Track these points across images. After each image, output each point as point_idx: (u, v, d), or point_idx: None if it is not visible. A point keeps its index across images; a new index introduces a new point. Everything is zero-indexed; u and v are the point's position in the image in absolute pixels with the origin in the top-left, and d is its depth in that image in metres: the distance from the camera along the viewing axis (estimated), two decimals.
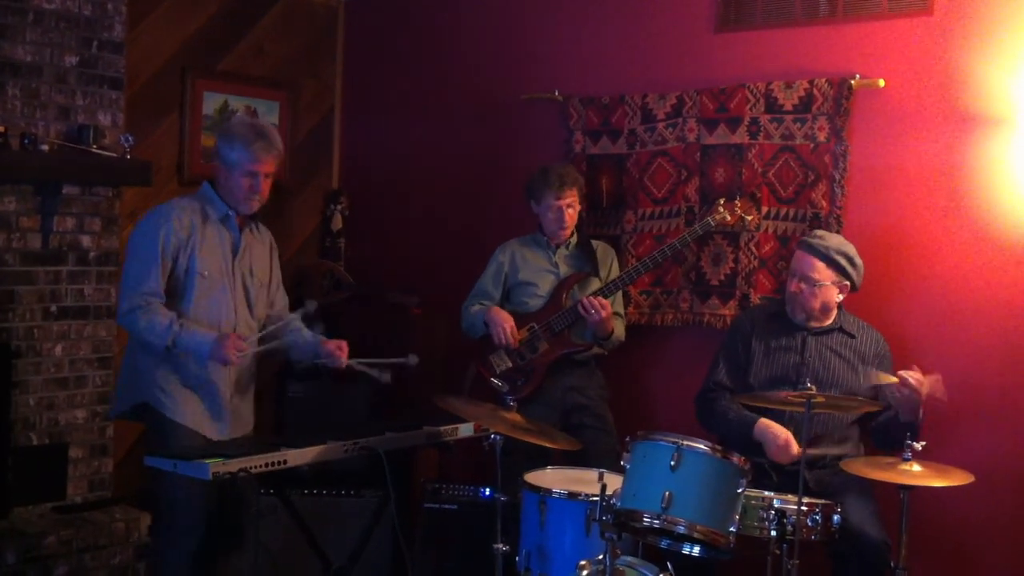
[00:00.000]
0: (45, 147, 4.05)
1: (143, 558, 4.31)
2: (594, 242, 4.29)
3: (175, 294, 3.46)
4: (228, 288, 3.53)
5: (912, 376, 3.35)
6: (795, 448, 3.45)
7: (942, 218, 3.80)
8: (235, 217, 3.55)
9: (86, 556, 4.14)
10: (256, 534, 3.61)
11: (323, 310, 5.05)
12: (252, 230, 3.64)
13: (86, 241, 4.30)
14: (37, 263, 4.18)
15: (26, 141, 3.98)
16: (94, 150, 4.16)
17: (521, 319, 4.19)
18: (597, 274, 4.19)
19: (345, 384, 4.46)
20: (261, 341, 3.57)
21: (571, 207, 4.15)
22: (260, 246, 3.69)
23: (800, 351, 3.65)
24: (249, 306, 3.61)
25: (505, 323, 4.12)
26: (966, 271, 3.75)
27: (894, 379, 3.36)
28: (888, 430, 3.52)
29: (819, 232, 3.74)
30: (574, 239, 4.24)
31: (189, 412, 3.47)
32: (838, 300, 3.65)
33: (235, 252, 3.56)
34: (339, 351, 3.65)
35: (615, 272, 4.25)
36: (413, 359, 3.67)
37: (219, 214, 3.53)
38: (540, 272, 4.23)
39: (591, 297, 4.03)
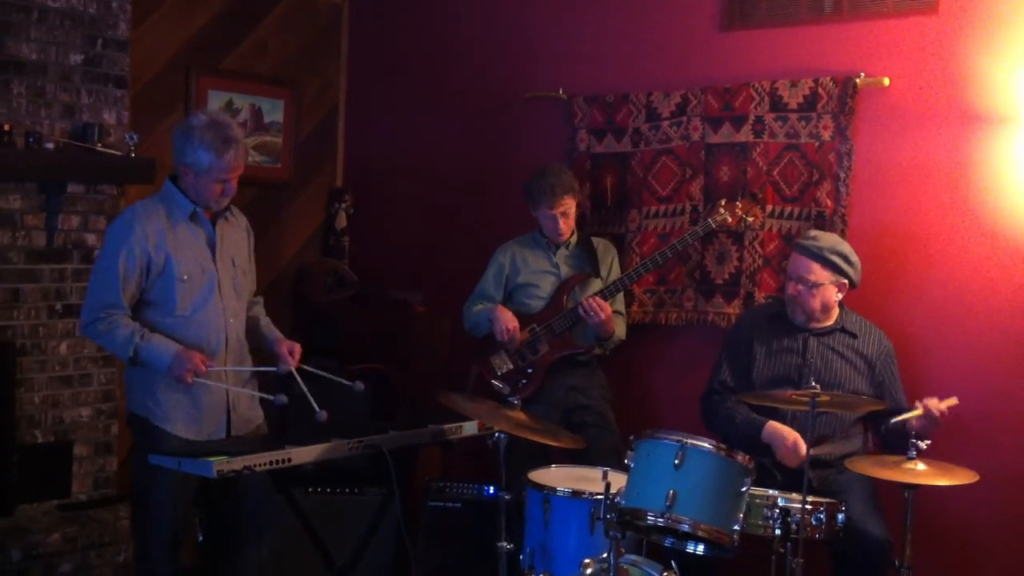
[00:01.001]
0: (50, 145, 4.05)
1: None
2: (595, 239, 4.28)
3: (157, 301, 3.36)
4: (214, 286, 3.43)
5: (934, 407, 3.33)
6: (804, 450, 3.44)
7: (947, 216, 3.80)
8: (203, 212, 3.42)
9: (91, 554, 4.14)
10: (259, 532, 3.61)
11: (326, 308, 5.08)
12: (225, 218, 3.50)
13: (91, 239, 4.31)
14: (42, 261, 4.18)
15: (31, 139, 3.98)
16: (99, 148, 4.16)
17: (522, 320, 4.19)
18: (598, 274, 4.18)
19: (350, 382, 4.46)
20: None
21: (566, 214, 4.13)
22: (236, 232, 3.56)
23: (802, 352, 3.64)
24: (238, 296, 3.52)
25: (509, 322, 4.12)
26: (971, 269, 3.75)
27: (919, 412, 3.35)
28: (901, 439, 3.50)
29: (813, 233, 3.72)
30: (574, 238, 4.24)
31: (179, 420, 3.38)
32: (837, 299, 3.64)
33: (212, 247, 3.45)
34: (289, 355, 3.53)
35: (616, 270, 4.25)
36: (359, 385, 3.57)
37: (185, 213, 3.39)
38: (541, 273, 4.23)
39: (591, 299, 4.03)
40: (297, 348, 3.56)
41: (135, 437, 3.49)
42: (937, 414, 3.33)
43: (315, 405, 3.41)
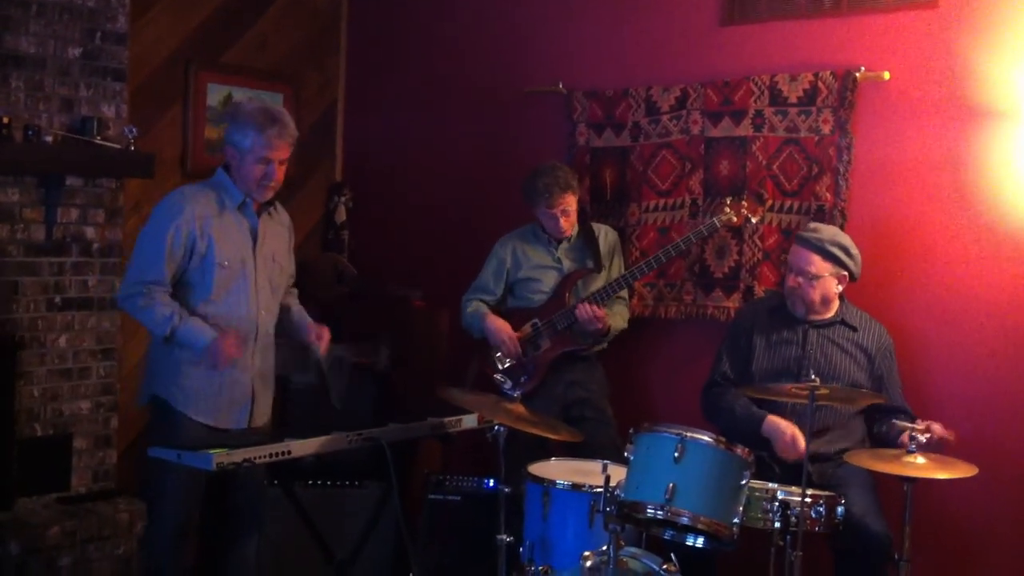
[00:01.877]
0: (49, 139, 4.04)
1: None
2: (596, 226, 4.26)
3: (195, 284, 3.40)
4: (250, 277, 3.47)
5: (936, 431, 3.32)
6: (802, 444, 3.45)
7: (946, 211, 3.80)
8: (252, 204, 3.48)
9: (90, 547, 4.14)
10: (259, 525, 3.62)
11: (326, 303, 5.08)
12: (271, 213, 3.57)
13: (89, 233, 4.30)
14: (41, 254, 4.17)
15: (29, 133, 3.97)
16: (97, 142, 4.16)
17: (524, 314, 4.19)
18: (599, 266, 4.18)
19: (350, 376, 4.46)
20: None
21: (566, 212, 4.12)
22: (279, 228, 3.62)
23: (801, 344, 3.64)
24: (272, 291, 3.57)
25: (503, 333, 4.13)
26: (970, 263, 3.75)
27: (921, 428, 3.35)
28: (891, 445, 3.50)
29: (813, 225, 3.73)
30: (575, 230, 4.23)
31: (201, 405, 3.42)
32: (838, 291, 3.64)
33: (255, 239, 3.49)
34: (319, 339, 3.61)
35: (619, 258, 4.25)
36: (384, 359, 3.59)
37: (235, 202, 3.45)
38: (542, 268, 4.22)
39: (584, 305, 4.02)
40: (326, 332, 3.64)
41: (153, 421, 3.50)
42: (936, 438, 3.31)
43: (333, 392, 3.46)
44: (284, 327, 3.68)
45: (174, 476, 3.31)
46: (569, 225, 4.16)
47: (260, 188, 3.43)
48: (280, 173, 3.45)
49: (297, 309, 3.75)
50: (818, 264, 3.58)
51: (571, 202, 4.13)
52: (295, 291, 3.81)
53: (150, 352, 3.54)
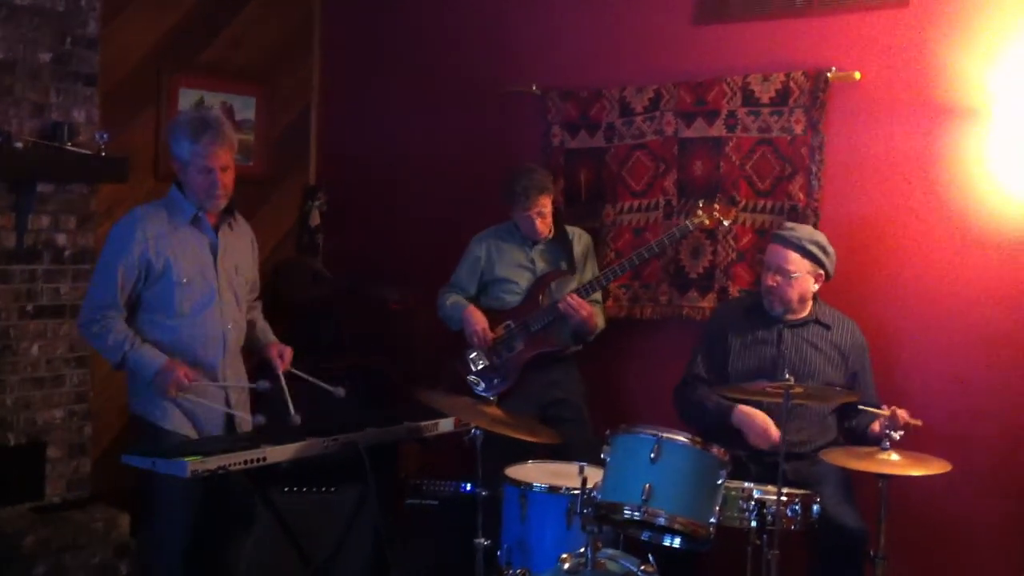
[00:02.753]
0: (19, 144, 4.01)
1: (123, 557, 4.29)
2: (570, 229, 4.27)
3: (157, 305, 3.37)
4: (215, 292, 3.43)
5: (901, 415, 3.35)
6: (774, 431, 3.46)
7: (918, 209, 3.82)
8: (206, 217, 3.43)
9: (65, 556, 4.11)
10: (241, 531, 3.59)
11: (301, 305, 5.06)
12: (230, 225, 3.52)
13: (61, 239, 4.27)
14: (12, 261, 4.14)
15: None
16: (69, 147, 4.13)
17: (498, 316, 4.19)
18: (573, 269, 4.18)
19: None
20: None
21: (542, 214, 4.12)
22: (240, 241, 3.58)
23: (776, 344, 3.66)
24: (238, 303, 3.53)
25: (478, 324, 4.12)
26: (943, 261, 3.78)
27: (886, 412, 3.37)
28: (861, 441, 3.53)
29: (789, 224, 3.76)
30: (550, 232, 4.24)
31: (179, 418, 3.38)
32: (814, 290, 3.66)
33: (215, 253, 3.45)
34: (279, 359, 3.57)
35: (592, 262, 4.25)
36: (340, 391, 3.59)
37: (186, 217, 3.40)
38: (516, 268, 4.22)
39: (571, 297, 4.02)
40: (288, 352, 3.61)
41: (137, 438, 3.46)
42: (900, 423, 3.34)
43: (291, 408, 3.43)
44: (247, 342, 3.63)
45: (174, 488, 3.22)
46: (545, 227, 4.17)
47: (209, 198, 3.38)
48: (226, 180, 3.38)
49: (262, 325, 3.71)
50: (796, 262, 3.60)
51: (547, 203, 4.13)
52: (259, 304, 3.76)
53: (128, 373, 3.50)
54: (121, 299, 3.32)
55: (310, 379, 3.57)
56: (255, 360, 3.72)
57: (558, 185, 4.46)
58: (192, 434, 3.40)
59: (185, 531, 3.41)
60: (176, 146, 3.35)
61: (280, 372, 3.53)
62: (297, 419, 3.42)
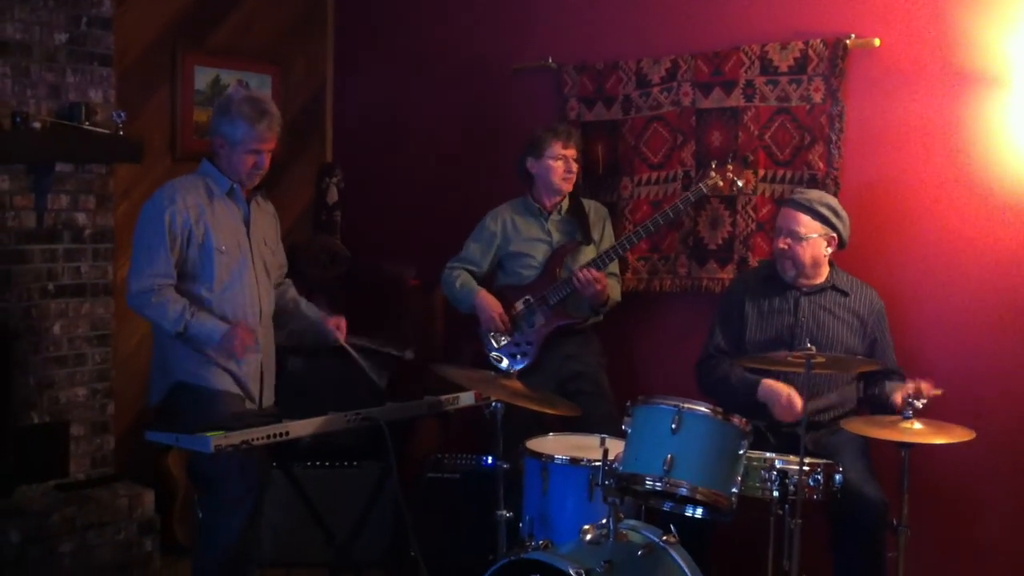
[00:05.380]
0: (37, 125, 4.02)
1: (148, 533, 4.32)
2: (586, 202, 4.26)
3: (195, 273, 3.43)
4: (248, 261, 3.52)
5: (925, 390, 3.33)
6: (799, 404, 3.45)
7: (938, 177, 3.79)
8: (240, 190, 3.53)
9: (90, 533, 4.15)
10: (260, 506, 3.61)
11: (320, 284, 5.07)
12: (258, 201, 3.62)
13: (81, 219, 4.29)
14: (32, 242, 4.16)
15: (17, 120, 3.96)
16: (86, 127, 4.14)
17: (516, 291, 4.19)
18: (589, 240, 4.17)
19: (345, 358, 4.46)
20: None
21: (565, 160, 4.12)
22: (266, 217, 3.68)
23: (793, 312, 3.64)
24: (269, 275, 3.62)
25: (493, 311, 4.13)
26: (963, 229, 3.75)
27: (910, 388, 3.36)
28: (882, 410, 3.51)
29: (800, 189, 3.75)
30: (565, 203, 4.22)
31: (228, 380, 3.46)
32: (827, 254, 3.63)
33: (247, 224, 3.54)
34: (337, 329, 3.67)
35: (609, 233, 4.24)
36: (410, 354, 3.65)
37: (224, 189, 3.50)
38: (533, 242, 4.21)
39: (585, 270, 4.02)
40: (343, 322, 3.69)
41: (183, 407, 3.46)
42: (925, 396, 3.33)
43: (372, 374, 3.59)
44: (298, 322, 3.74)
45: (224, 461, 3.20)
46: (568, 180, 4.14)
47: (251, 177, 3.50)
48: (267, 160, 3.52)
49: (306, 303, 3.79)
50: (807, 224, 3.58)
51: (572, 153, 4.13)
52: (290, 282, 3.82)
53: (160, 346, 3.51)
54: (172, 266, 3.38)
55: (372, 346, 3.65)
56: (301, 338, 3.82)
57: None
58: (239, 391, 3.48)
59: (245, 506, 3.41)
60: (230, 126, 3.42)
61: (344, 342, 3.64)
62: (384, 379, 3.49)
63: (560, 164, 4.12)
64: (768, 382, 3.56)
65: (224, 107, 3.49)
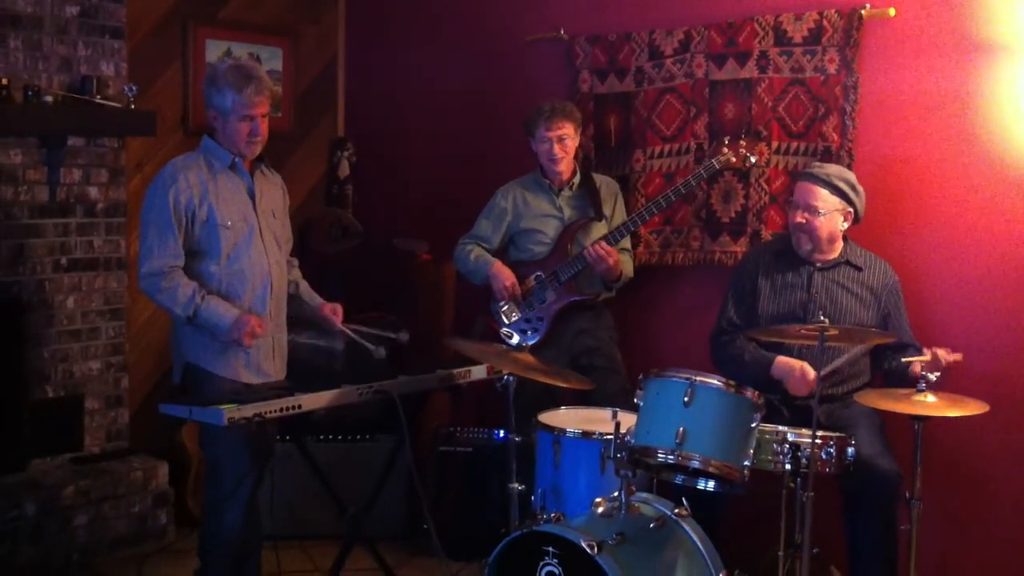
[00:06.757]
0: (49, 99, 4.02)
1: (162, 506, 4.35)
2: (597, 177, 4.24)
3: (203, 250, 3.40)
4: (256, 234, 3.48)
5: (943, 356, 3.32)
6: (811, 375, 3.44)
7: (954, 147, 3.76)
8: (242, 162, 3.49)
9: (105, 506, 4.18)
10: (272, 479, 3.63)
11: (332, 258, 5.08)
12: (262, 172, 3.58)
13: (93, 193, 4.30)
14: (45, 216, 4.17)
15: (29, 93, 3.96)
16: (98, 101, 4.14)
17: (527, 267, 4.18)
18: (600, 216, 4.15)
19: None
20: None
21: (563, 140, 4.08)
22: (273, 188, 3.63)
23: (807, 287, 3.63)
24: (279, 246, 3.59)
25: (507, 280, 4.12)
26: (978, 200, 3.72)
27: (927, 357, 3.34)
28: (903, 381, 3.49)
29: (817, 163, 3.72)
30: (576, 179, 4.20)
31: (230, 364, 3.43)
32: (843, 229, 3.61)
33: (252, 197, 3.50)
34: (333, 315, 3.65)
35: (620, 209, 4.22)
36: (404, 336, 3.64)
37: (226, 163, 3.46)
38: (544, 218, 4.20)
39: (597, 245, 4.00)
40: (339, 309, 3.67)
41: (193, 388, 3.47)
42: (944, 364, 3.31)
43: (370, 346, 3.57)
44: (295, 306, 3.70)
45: (224, 435, 3.24)
46: (565, 159, 4.11)
47: (248, 145, 3.45)
48: (264, 127, 3.45)
49: (304, 287, 3.76)
50: (825, 199, 3.56)
51: (570, 132, 4.09)
52: (296, 262, 3.78)
53: (174, 326, 3.50)
54: (180, 249, 3.37)
55: (366, 330, 3.63)
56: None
57: (587, 132, 4.43)
58: (240, 376, 3.44)
59: (248, 480, 3.41)
60: (218, 96, 3.38)
61: (342, 327, 3.62)
62: (381, 352, 3.55)
63: (545, 146, 4.10)
64: (782, 359, 3.55)
65: (211, 79, 3.44)
